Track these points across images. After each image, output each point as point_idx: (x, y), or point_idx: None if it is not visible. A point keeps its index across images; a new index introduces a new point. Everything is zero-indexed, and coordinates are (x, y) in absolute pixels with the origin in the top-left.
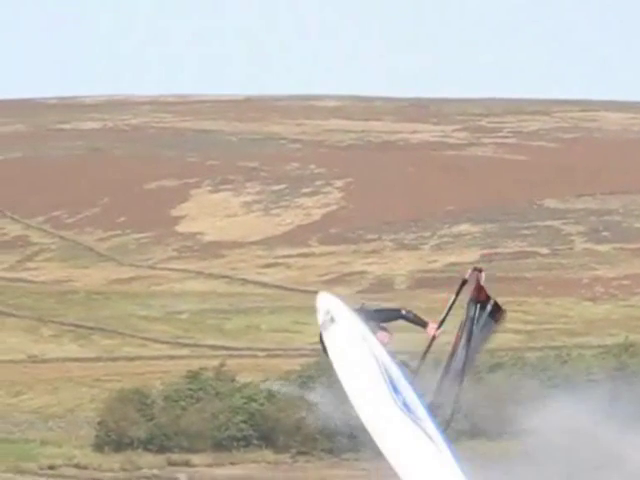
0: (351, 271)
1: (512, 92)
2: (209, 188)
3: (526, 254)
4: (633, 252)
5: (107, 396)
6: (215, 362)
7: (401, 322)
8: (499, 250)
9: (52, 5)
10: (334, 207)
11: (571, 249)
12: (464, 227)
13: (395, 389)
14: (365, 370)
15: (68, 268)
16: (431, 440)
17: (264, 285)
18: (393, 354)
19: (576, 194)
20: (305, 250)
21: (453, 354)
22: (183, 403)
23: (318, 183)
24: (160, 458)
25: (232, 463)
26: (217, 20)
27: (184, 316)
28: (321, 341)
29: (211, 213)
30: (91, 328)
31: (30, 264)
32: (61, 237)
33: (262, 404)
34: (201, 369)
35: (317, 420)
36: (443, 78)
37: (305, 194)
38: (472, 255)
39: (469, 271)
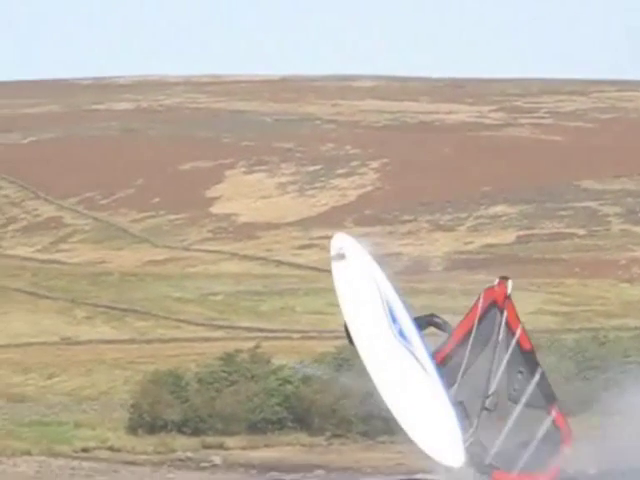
0: (386, 252)
1: (549, 72)
2: (244, 169)
3: (563, 235)
4: None
5: (141, 378)
6: (249, 344)
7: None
8: (536, 231)
9: None
10: (369, 188)
11: (608, 230)
12: (500, 208)
13: (393, 319)
14: (368, 302)
15: (102, 249)
16: (422, 367)
17: (299, 266)
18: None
19: (613, 175)
20: (340, 231)
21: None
22: (217, 385)
23: (353, 164)
24: (194, 441)
25: (267, 446)
26: (253, 0)
27: (218, 298)
28: (346, 331)
29: (246, 194)
30: (125, 310)
31: (64, 245)
32: (95, 218)
33: (297, 386)
34: (236, 351)
35: (352, 403)
36: (480, 58)
37: (340, 175)
38: (508, 236)
39: (496, 280)
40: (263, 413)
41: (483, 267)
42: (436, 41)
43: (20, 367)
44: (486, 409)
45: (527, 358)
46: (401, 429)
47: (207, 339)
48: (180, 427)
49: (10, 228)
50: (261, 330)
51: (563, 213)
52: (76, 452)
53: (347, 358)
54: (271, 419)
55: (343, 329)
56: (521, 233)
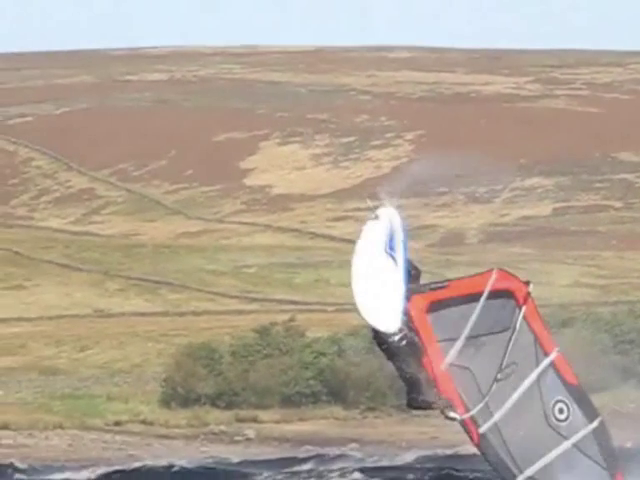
0: (422, 225)
1: (585, 43)
2: (278, 140)
3: (599, 207)
4: None
5: (174, 351)
6: (283, 317)
7: None
8: (572, 203)
9: None
10: (404, 160)
11: None
12: (536, 180)
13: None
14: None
15: (135, 221)
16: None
17: (333, 239)
18: None
19: None
20: (375, 204)
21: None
22: (251, 358)
23: (388, 136)
24: (228, 414)
25: (301, 419)
26: None
27: (252, 270)
28: (375, 338)
29: (280, 166)
30: (158, 282)
31: (96, 217)
32: (128, 190)
33: (332, 359)
34: (270, 324)
35: (387, 376)
36: (516, 29)
37: (375, 147)
38: (544, 209)
39: (525, 286)
40: (297, 386)
41: (519, 239)
42: (472, 12)
43: (52, 340)
44: (498, 380)
45: (573, 393)
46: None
47: (241, 312)
48: (214, 400)
49: (42, 200)
50: (295, 303)
51: (599, 185)
52: (108, 425)
53: None
54: (305, 392)
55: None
56: (557, 205)
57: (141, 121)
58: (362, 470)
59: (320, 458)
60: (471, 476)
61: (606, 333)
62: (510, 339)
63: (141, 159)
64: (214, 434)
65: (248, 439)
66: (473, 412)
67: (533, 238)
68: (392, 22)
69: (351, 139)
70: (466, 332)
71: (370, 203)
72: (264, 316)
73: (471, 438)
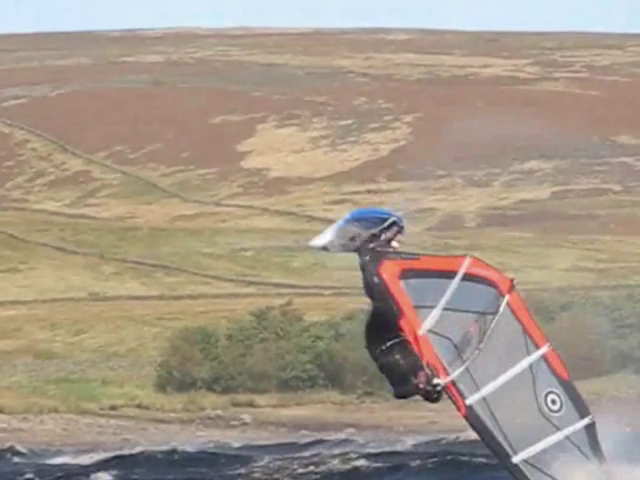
0: (420, 208)
1: (585, 25)
2: (275, 123)
3: (598, 191)
4: None
5: (170, 335)
6: (280, 300)
7: None
8: (571, 187)
9: None
10: (402, 143)
11: None
12: (535, 163)
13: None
14: None
15: (130, 204)
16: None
17: (330, 222)
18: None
19: None
20: (373, 186)
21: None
22: (248, 342)
23: (386, 118)
24: (224, 399)
25: (297, 404)
26: None
27: (249, 253)
28: (366, 338)
29: (277, 148)
30: (154, 266)
31: (92, 200)
32: (123, 173)
33: (329, 344)
34: (267, 308)
35: None
36: (514, 11)
37: (373, 129)
38: (543, 192)
39: (507, 279)
40: (294, 371)
41: (517, 223)
42: None
43: (47, 323)
44: (479, 349)
45: (566, 388)
46: None
47: (237, 295)
48: (210, 385)
49: (38, 182)
50: (292, 286)
51: (598, 169)
52: (104, 410)
53: None
54: (302, 377)
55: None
56: (556, 189)
57: (137, 103)
58: (365, 456)
59: (321, 444)
60: (476, 462)
61: (605, 317)
62: (493, 319)
63: (137, 141)
64: (210, 419)
65: (244, 424)
66: (454, 375)
67: (531, 222)
68: (390, 4)
69: (349, 122)
70: (443, 301)
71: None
72: (261, 300)
73: (458, 408)
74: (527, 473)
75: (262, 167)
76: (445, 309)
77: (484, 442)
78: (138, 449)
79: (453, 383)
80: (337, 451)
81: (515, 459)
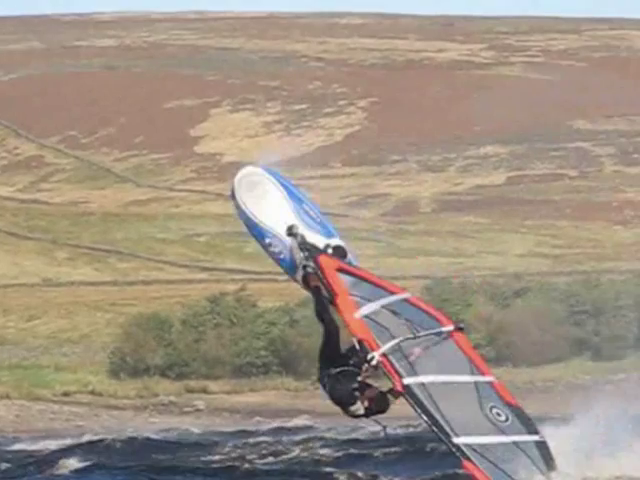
0: (374, 193)
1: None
2: (229, 107)
3: (554, 176)
4: None
5: (123, 321)
6: (234, 286)
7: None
8: (526, 172)
9: None
10: (357, 127)
11: (600, 171)
12: (491, 148)
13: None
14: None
15: (83, 189)
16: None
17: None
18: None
19: (606, 115)
20: (327, 172)
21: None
22: (202, 328)
23: (341, 103)
24: (177, 385)
25: (251, 390)
26: None
27: (203, 239)
28: (304, 284)
29: (231, 133)
30: (107, 251)
31: (44, 185)
32: (76, 157)
33: (283, 330)
34: (221, 294)
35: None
36: None
37: (327, 114)
38: (498, 177)
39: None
40: (248, 357)
41: (472, 208)
42: None
43: (0, 309)
44: (416, 337)
45: (513, 410)
46: None
47: (191, 281)
48: (163, 371)
49: None
50: (246, 272)
51: (555, 154)
52: (56, 396)
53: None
54: (256, 363)
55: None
56: (511, 174)
57: (90, 88)
58: (326, 445)
59: (282, 431)
60: (444, 449)
61: (561, 303)
62: (428, 330)
63: (90, 126)
64: (163, 405)
65: (198, 410)
66: (385, 348)
67: (487, 207)
68: None
69: (303, 106)
70: (383, 301)
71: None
72: (215, 285)
73: (394, 384)
74: (469, 454)
75: (216, 152)
76: (383, 307)
77: (423, 419)
78: (100, 436)
79: (388, 360)
80: (297, 438)
81: (456, 440)
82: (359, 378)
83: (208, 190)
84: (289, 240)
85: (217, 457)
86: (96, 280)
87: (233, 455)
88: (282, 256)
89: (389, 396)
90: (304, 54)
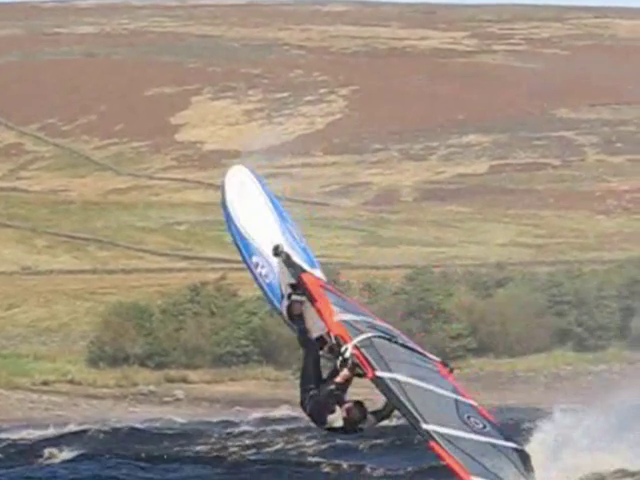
0: (356, 182)
1: None
2: (210, 95)
3: (537, 165)
4: None
5: (103, 310)
6: (214, 275)
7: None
8: (509, 161)
9: None
10: (339, 116)
11: (583, 160)
12: (473, 137)
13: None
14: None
15: (63, 177)
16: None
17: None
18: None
19: (589, 104)
20: (308, 160)
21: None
22: (182, 317)
23: (322, 91)
24: (157, 374)
25: (231, 380)
26: None
27: (183, 227)
28: (288, 313)
29: (212, 121)
30: (86, 239)
31: (24, 173)
32: (56, 145)
33: (263, 319)
34: (201, 283)
35: None
36: None
37: (309, 102)
38: (481, 166)
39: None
40: (228, 346)
41: (454, 197)
42: None
43: None
44: (395, 341)
45: (494, 426)
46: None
47: (171, 270)
48: (143, 360)
49: None
50: (226, 261)
51: (537, 143)
52: (36, 385)
53: None
54: (236, 352)
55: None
56: (494, 163)
57: (70, 75)
58: (312, 436)
59: (264, 421)
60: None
61: (543, 293)
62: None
63: (70, 114)
64: (143, 394)
65: (177, 399)
66: (357, 340)
67: (469, 196)
68: None
69: (284, 94)
70: (363, 318)
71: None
72: (195, 274)
73: (366, 373)
74: (438, 439)
75: (196, 140)
76: (363, 320)
77: (394, 406)
78: (85, 426)
79: (361, 353)
80: (281, 429)
81: (425, 425)
82: (337, 379)
83: (189, 178)
84: (275, 262)
85: (203, 447)
86: (76, 268)
87: (218, 446)
88: (269, 280)
89: (365, 407)
90: (286, 42)
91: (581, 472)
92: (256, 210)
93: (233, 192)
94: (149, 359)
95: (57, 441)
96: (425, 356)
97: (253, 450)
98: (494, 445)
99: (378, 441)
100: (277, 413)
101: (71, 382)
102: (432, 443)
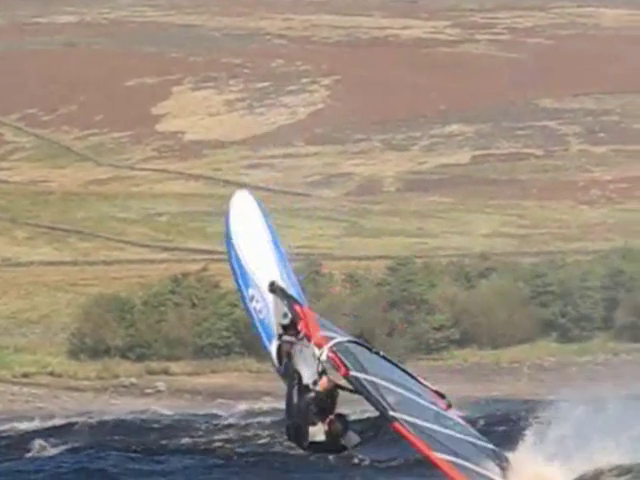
0: (338, 172)
1: None
2: (191, 85)
3: (520, 155)
4: (630, 154)
5: (83, 301)
6: (196, 266)
7: None
8: (492, 151)
9: None
10: (320, 106)
11: (567, 150)
12: (456, 127)
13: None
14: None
15: (43, 168)
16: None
17: (247, 186)
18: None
19: (572, 93)
20: (290, 150)
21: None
22: (163, 309)
23: (304, 81)
24: (138, 366)
25: (213, 372)
26: None
27: (164, 219)
28: (278, 357)
29: (193, 111)
30: (67, 230)
31: (4, 164)
32: (36, 136)
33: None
34: (182, 274)
35: None
36: None
37: (291, 92)
38: (463, 156)
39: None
40: (210, 338)
41: (437, 188)
42: None
43: None
44: (377, 353)
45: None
46: None
47: (152, 261)
48: (124, 352)
49: None
50: (208, 252)
51: (520, 133)
52: (16, 377)
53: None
54: (218, 344)
55: (291, 251)
56: (477, 153)
57: (50, 65)
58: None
59: (250, 414)
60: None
61: (526, 284)
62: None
63: (50, 104)
64: (124, 387)
65: (159, 391)
66: (333, 342)
67: (452, 187)
68: None
69: (266, 84)
70: (350, 338)
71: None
72: (176, 266)
73: (338, 369)
74: (407, 426)
75: (177, 130)
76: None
77: (364, 397)
78: (72, 419)
79: (338, 356)
80: (268, 421)
81: (392, 413)
82: (317, 387)
83: (170, 169)
84: (270, 299)
85: (190, 440)
86: (56, 260)
87: (205, 439)
88: (262, 316)
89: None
90: (267, 31)
91: (578, 467)
92: (258, 243)
93: (237, 221)
94: (130, 351)
95: (43, 434)
96: (420, 383)
97: (240, 443)
98: (472, 443)
99: (365, 435)
100: (262, 406)
101: (52, 374)
102: (394, 423)
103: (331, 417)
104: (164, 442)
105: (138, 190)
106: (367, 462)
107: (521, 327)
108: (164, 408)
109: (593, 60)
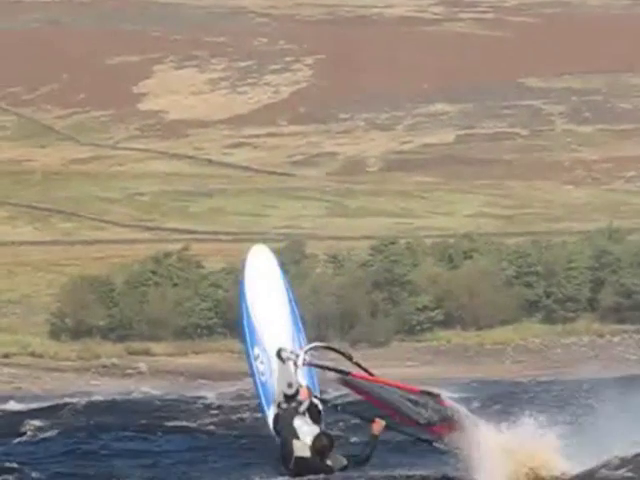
0: (321, 152)
1: None
2: (173, 64)
3: (505, 135)
4: (616, 133)
5: (65, 281)
6: (178, 246)
7: None
8: (476, 131)
9: None
10: (304, 85)
11: (552, 130)
12: (440, 106)
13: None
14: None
15: (25, 147)
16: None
17: (230, 166)
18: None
19: (558, 73)
20: (273, 130)
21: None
22: (144, 289)
23: (287, 59)
24: (119, 347)
25: (195, 352)
26: None
27: (146, 198)
28: (274, 423)
29: (175, 90)
30: (48, 210)
31: None
32: (17, 114)
33: (227, 290)
34: (164, 255)
35: None
36: None
37: (273, 71)
38: (448, 136)
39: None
40: (192, 318)
41: (421, 168)
42: None
43: None
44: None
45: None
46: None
47: (134, 241)
48: (105, 333)
49: None
50: (190, 232)
51: (505, 112)
52: None
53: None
54: (200, 324)
55: (274, 230)
56: (461, 132)
57: (31, 43)
58: None
59: (237, 394)
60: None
61: (511, 265)
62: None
63: (32, 83)
64: (105, 367)
65: (140, 372)
66: (309, 346)
67: (436, 166)
68: None
69: (249, 63)
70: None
71: None
72: (158, 245)
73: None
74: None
75: (159, 109)
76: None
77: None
78: (65, 399)
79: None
80: (255, 404)
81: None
82: (298, 397)
83: (152, 148)
84: (275, 364)
85: (177, 422)
86: (37, 240)
87: (193, 419)
88: (264, 379)
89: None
90: (250, 10)
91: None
92: (273, 304)
93: (253, 278)
94: (111, 331)
95: (30, 415)
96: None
97: (229, 424)
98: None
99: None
100: (248, 387)
101: (32, 355)
102: (352, 373)
103: (317, 432)
104: (151, 422)
105: (120, 169)
106: (356, 439)
107: (505, 308)
108: (147, 388)
109: (579, 39)
